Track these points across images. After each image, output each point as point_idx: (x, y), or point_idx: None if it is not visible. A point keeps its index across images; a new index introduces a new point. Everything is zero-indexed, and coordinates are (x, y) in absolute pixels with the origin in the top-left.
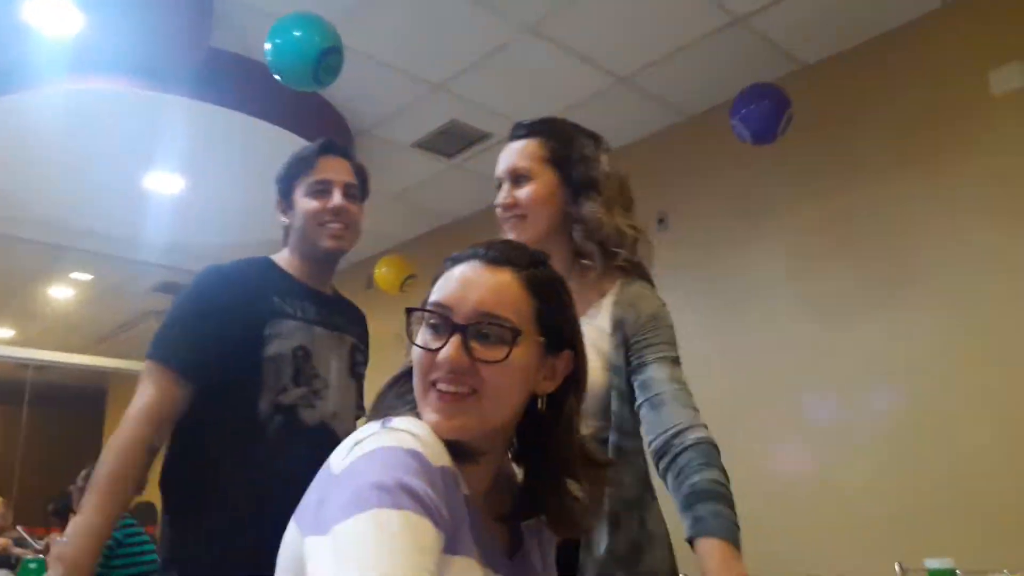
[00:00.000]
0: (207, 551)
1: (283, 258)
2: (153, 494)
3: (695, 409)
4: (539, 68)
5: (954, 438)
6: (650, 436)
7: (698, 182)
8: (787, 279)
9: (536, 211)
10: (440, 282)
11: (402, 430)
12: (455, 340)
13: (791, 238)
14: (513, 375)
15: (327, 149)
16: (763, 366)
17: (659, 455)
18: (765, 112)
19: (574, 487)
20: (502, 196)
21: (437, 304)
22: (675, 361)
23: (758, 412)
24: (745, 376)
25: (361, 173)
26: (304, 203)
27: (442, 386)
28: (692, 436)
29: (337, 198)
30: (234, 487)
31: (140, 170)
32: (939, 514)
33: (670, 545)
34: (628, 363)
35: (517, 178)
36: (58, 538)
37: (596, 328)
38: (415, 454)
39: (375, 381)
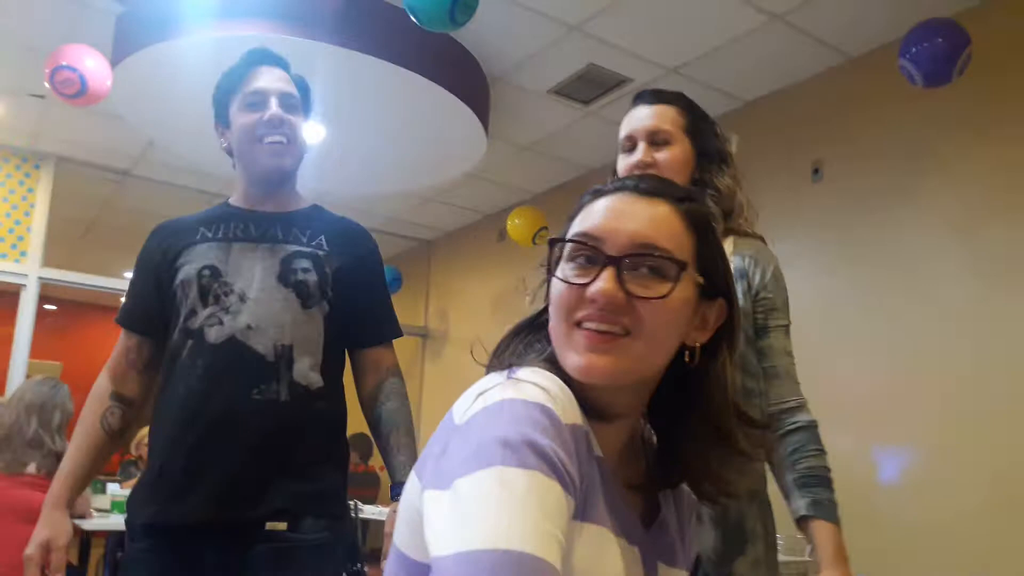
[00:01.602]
0: (139, 487)
1: (234, 190)
2: None
3: (798, 383)
4: (683, 6)
5: None
6: (756, 409)
7: (858, 130)
8: (956, 238)
9: (673, 175)
10: (582, 214)
11: (530, 382)
12: (609, 272)
13: (962, 191)
14: (672, 315)
15: (259, 58)
16: (922, 331)
17: (769, 424)
18: (940, 51)
19: (725, 449)
20: (639, 155)
21: (584, 235)
22: (788, 330)
23: (911, 383)
24: (905, 345)
25: (302, 85)
26: (239, 118)
27: (591, 324)
28: (804, 417)
29: (274, 107)
30: (153, 421)
31: None
32: None
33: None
34: (755, 314)
35: (657, 140)
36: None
37: None
38: (544, 409)
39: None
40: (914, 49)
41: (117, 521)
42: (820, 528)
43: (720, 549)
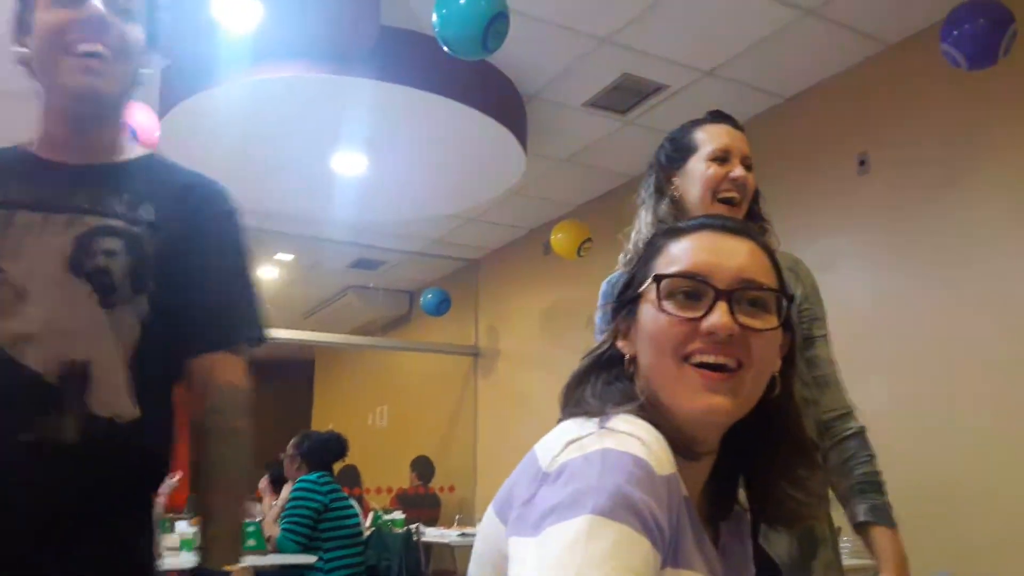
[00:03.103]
0: None
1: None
2: (353, 459)
3: (844, 390)
4: (713, 8)
5: None
6: (809, 420)
7: (903, 118)
8: (1010, 225)
9: (750, 198)
10: (671, 254)
11: (626, 433)
12: (723, 305)
13: (1016, 176)
14: (775, 347)
15: None
16: (981, 327)
17: (822, 432)
18: (982, 31)
19: (798, 477)
20: (740, 171)
21: (689, 271)
22: (828, 338)
23: (973, 381)
24: (959, 340)
25: None
26: (44, 16)
27: (707, 358)
28: (855, 424)
29: (94, 5)
30: None
31: (325, 152)
32: None
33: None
34: (801, 324)
35: (747, 164)
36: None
37: None
38: (639, 462)
39: (558, 358)
40: (955, 32)
41: (187, 560)
42: (879, 533)
43: (795, 555)
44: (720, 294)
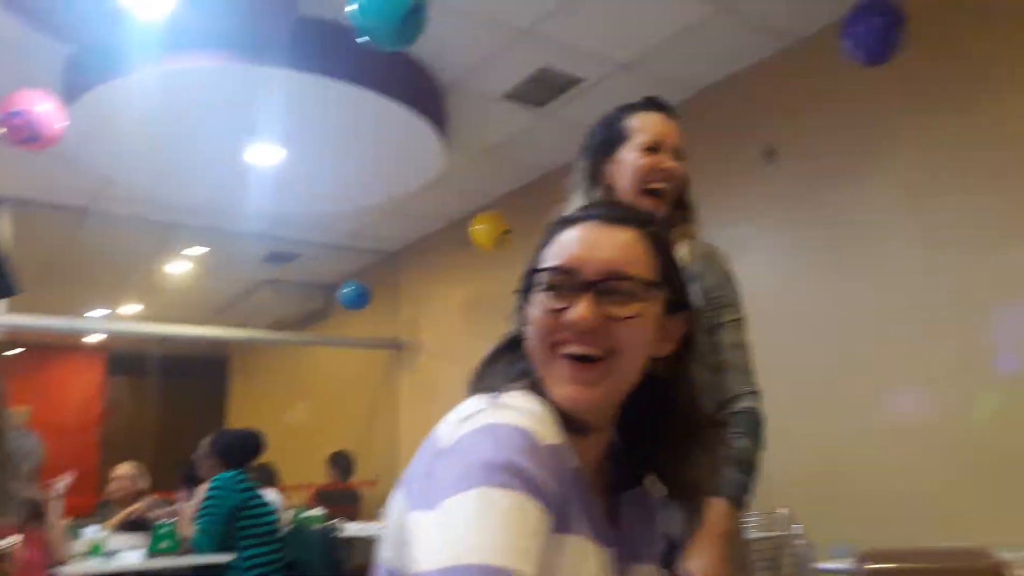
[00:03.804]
0: None
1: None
2: (271, 456)
3: (749, 372)
4: (629, 2)
5: None
6: (711, 402)
7: (808, 112)
8: (906, 212)
9: (678, 187)
10: (556, 247)
11: (512, 406)
12: (587, 297)
13: (910, 167)
14: (645, 333)
15: None
16: (879, 306)
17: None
18: (878, 30)
19: (692, 451)
20: (670, 163)
21: (560, 266)
22: (739, 323)
23: (873, 355)
24: (859, 317)
25: None
26: None
27: (573, 349)
28: (739, 405)
29: None
30: None
31: (240, 144)
32: None
33: None
34: (707, 311)
35: (679, 155)
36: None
37: None
38: (525, 432)
39: (480, 350)
40: (854, 30)
41: (96, 565)
42: (714, 504)
43: (689, 531)
44: (584, 286)
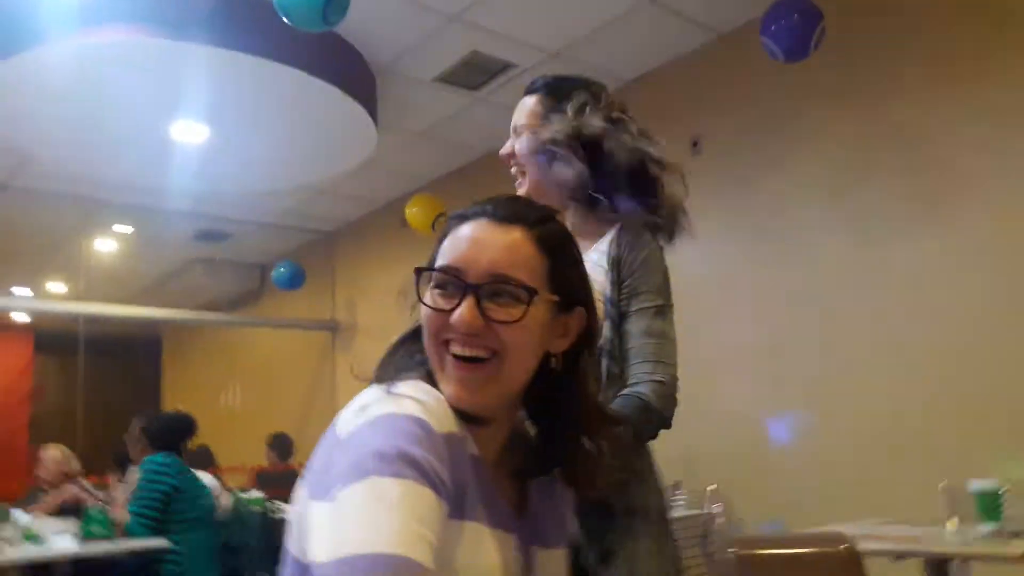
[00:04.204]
0: None
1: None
2: (207, 438)
3: (656, 362)
4: None
5: (998, 356)
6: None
7: (732, 104)
8: (825, 199)
9: (528, 163)
10: (448, 243)
11: (406, 396)
12: (469, 301)
13: (828, 157)
14: (531, 335)
15: None
16: (801, 288)
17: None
18: (796, 27)
19: (590, 444)
20: (504, 148)
21: (448, 266)
22: (657, 310)
23: (796, 336)
24: (783, 300)
25: None
26: None
27: (458, 350)
28: (636, 389)
29: None
30: None
31: (164, 120)
32: (984, 434)
33: (658, 480)
34: (619, 300)
35: (516, 132)
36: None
37: (592, 263)
38: (419, 421)
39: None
40: (773, 26)
41: (28, 551)
42: None
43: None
44: (468, 289)
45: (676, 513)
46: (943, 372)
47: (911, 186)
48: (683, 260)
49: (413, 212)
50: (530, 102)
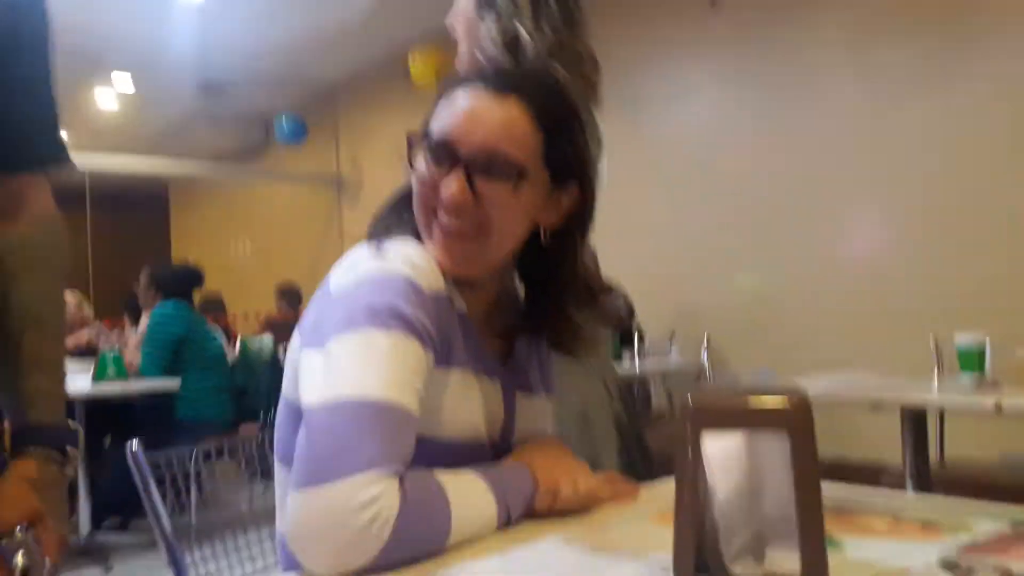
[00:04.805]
0: None
1: None
2: (218, 287)
3: None
4: None
5: (999, 215)
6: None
7: None
8: (847, 53)
9: (460, 51)
10: (444, 109)
11: (396, 255)
12: (459, 174)
13: (853, 10)
14: (518, 211)
15: None
16: (816, 144)
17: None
18: None
19: (575, 312)
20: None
21: (441, 135)
22: None
23: (809, 190)
24: (797, 155)
25: None
26: None
27: (445, 221)
28: None
29: None
30: None
31: None
32: (974, 290)
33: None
34: None
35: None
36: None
37: None
38: (407, 279)
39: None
40: None
41: None
42: None
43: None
44: (459, 162)
45: (670, 364)
46: (947, 227)
47: (932, 45)
48: (700, 119)
49: (416, 64)
50: None
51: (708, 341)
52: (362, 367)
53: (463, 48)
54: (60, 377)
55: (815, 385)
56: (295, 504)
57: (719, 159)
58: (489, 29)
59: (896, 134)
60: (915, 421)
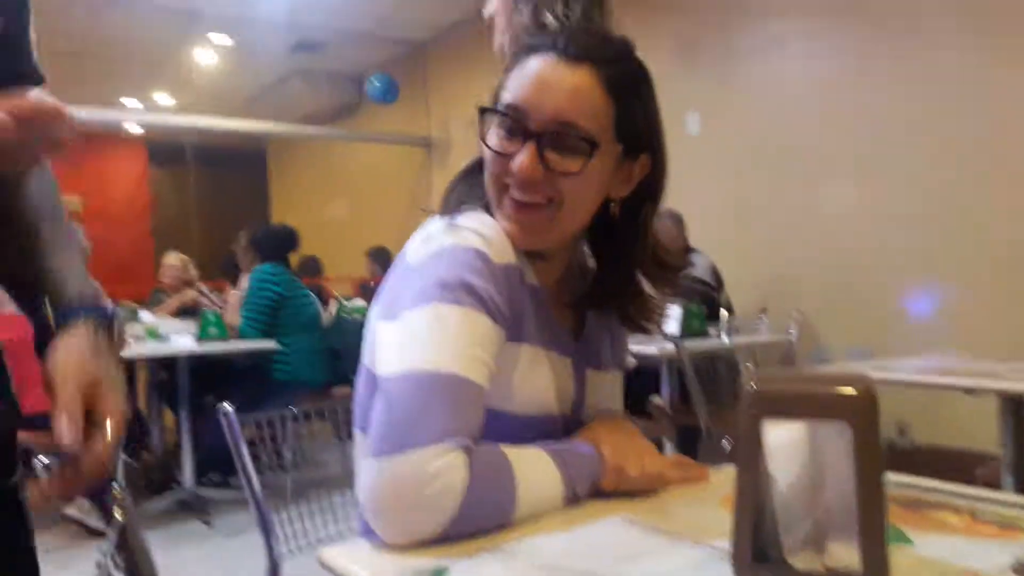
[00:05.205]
0: None
1: None
2: (315, 249)
3: None
4: None
5: None
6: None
7: None
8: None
9: (496, 28)
10: (515, 78)
11: (468, 228)
12: (530, 148)
13: None
14: (590, 185)
15: None
16: (913, 100)
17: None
18: None
19: (643, 284)
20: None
21: (512, 106)
22: None
23: (903, 149)
24: (892, 112)
25: None
26: None
27: (516, 194)
28: None
29: None
30: None
31: None
32: None
33: None
34: None
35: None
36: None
37: None
38: (479, 252)
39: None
40: None
41: (153, 348)
42: None
43: None
44: (530, 136)
45: (759, 339)
46: None
47: None
48: (791, 74)
49: None
50: None
51: (800, 316)
52: (433, 341)
53: (500, 40)
54: (84, 259)
55: (907, 366)
56: (368, 472)
57: (816, 121)
58: (523, 17)
59: (1008, 93)
60: (1015, 410)
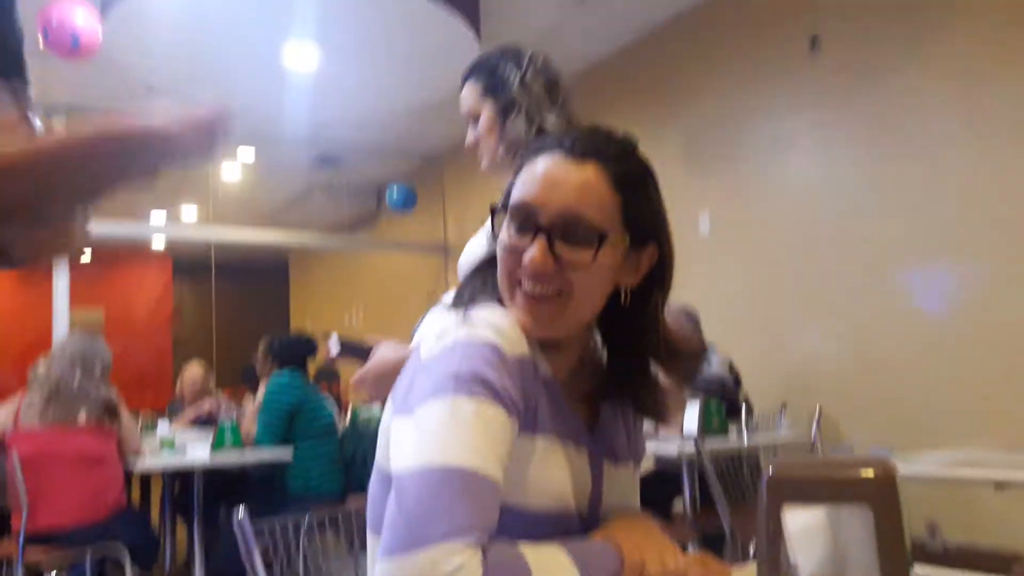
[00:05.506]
0: None
1: None
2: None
3: None
4: None
5: None
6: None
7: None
8: (956, 101)
9: (485, 147)
10: (524, 177)
11: (482, 321)
12: (540, 242)
13: (960, 53)
14: (600, 276)
15: None
16: (924, 197)
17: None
18: None
19: (656, 373)
20: (467, 139)
21: (522, 204)
22: None
23: (919, 248)
24: (904, 208)
25: None
26: None
27: (528, 287)
28: None
29: None
30: None
31: (277, 47)
32: None
33: None
34: None
35: (471, 121)
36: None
37: None
38: (492, 345)
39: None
40: None
41: (168, 459)
42: None
43: None
44: (539, 230)
45: (780, 437)
46: None
47: None
48: (799, 168)
49: None
50: (469, 87)
51: (820, 413)
52: (447, 434)
53: (488, 160)
54: None
55: (932, 460)
56: (382, 572)
57: (828, 215)
58: (517, 126)
59: (1013, 184)
60: None
